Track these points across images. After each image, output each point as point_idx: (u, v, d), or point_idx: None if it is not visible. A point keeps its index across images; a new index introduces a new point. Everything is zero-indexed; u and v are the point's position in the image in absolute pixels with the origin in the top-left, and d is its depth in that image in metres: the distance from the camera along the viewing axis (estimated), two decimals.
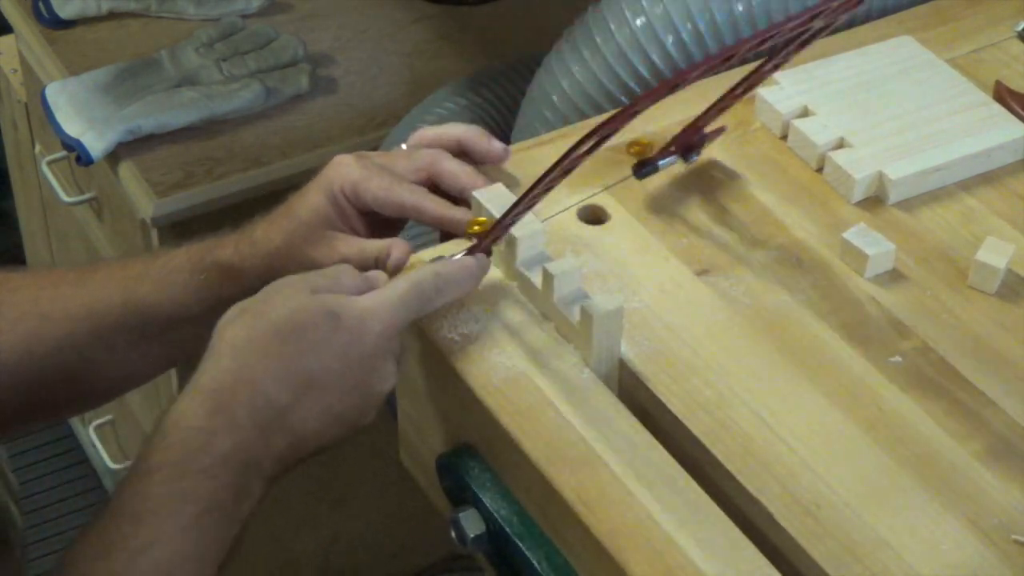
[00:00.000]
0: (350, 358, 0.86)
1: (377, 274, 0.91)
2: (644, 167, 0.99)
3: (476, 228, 0.92)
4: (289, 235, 0.98)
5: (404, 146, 1.02)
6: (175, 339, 1.02)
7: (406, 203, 0.96)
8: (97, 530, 0.84)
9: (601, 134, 0.86)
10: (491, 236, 0.92)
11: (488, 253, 0.92)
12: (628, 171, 1.00)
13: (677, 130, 1.02)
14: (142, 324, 1.01)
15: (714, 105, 0.99)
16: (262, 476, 0.86)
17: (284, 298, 0.87)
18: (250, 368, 0.85)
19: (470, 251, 0.92)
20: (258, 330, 0.86)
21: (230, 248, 1.01)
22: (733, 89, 0.98)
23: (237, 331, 0.86)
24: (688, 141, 1.00)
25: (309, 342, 0.85)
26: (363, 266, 0.97)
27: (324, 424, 0.87)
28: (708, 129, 1.01)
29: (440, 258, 0.91)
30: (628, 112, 0.85)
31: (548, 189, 0.90)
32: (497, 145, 1.00)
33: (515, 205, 0.90)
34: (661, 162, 1.00)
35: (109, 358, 1.02)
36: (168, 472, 0.83)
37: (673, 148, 1.00)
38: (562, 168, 0.88)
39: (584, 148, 0.86)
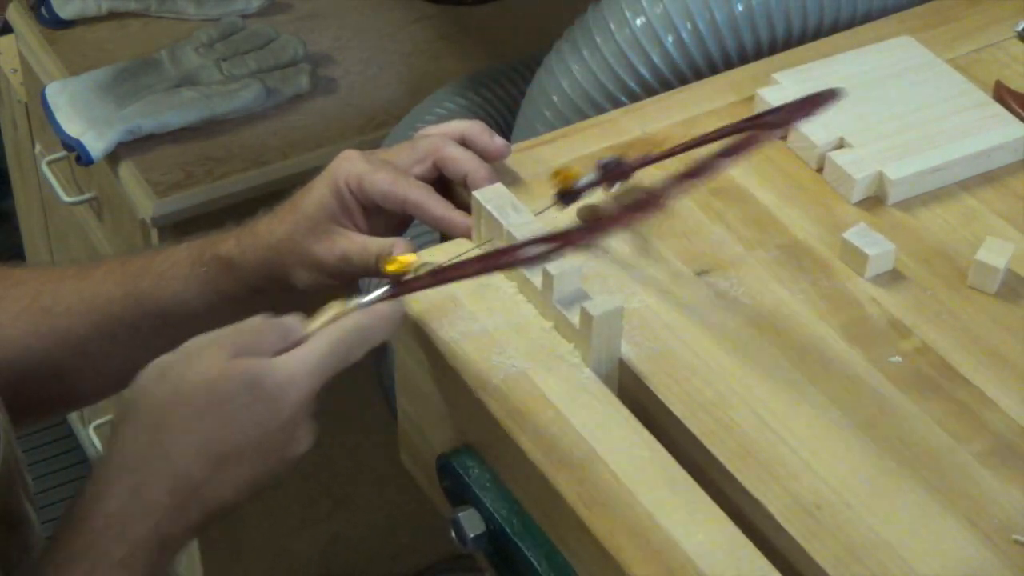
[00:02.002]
0: (269, 427, 0.83)
1: (292, 325, 0.86)
2: (567, 196, 0.97)
3: (392, 267, 0.88)
4: (292, 227, 0.98)
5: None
6: (176, 334, 1.02)
7: (410, 198, 0.96)
8: None
9: (549, 247, 0.84)
10: (419, 287, 0.88)
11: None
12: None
13: (672, 132, 1.03)
14: (143, 318, 1.02)
15: (660, 156, 0.99)
16: (175, 548, 0.84)
17: (204, 363, 0.83)
18: (165, 445, 0.82)
19: (390, 294, 0.87)
20: (175, 402, 0.82)
21: (231, 241, 1.01)
22: (678, 149, 0.98)
23: (152, 401, 0.83)
24: (614, 173, 0.99)
25: (227, 415, 0.82)
26: (364, 264, 0.97)
27: (239, 493, 0.84)
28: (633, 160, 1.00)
29: (353, 298, 0.87)
30: (556, 239, 0.84)
31: (480, 272, 0.87)
32: (498, 141, 1.00)
33: (449, 268, 0.88)
34: (582, 190, 0.97)
35: (110, 353, 1.03)
36: (84, 563, 0.81)
37: (597, 178, 0.98)
38: (491, 264, 0.87)
39: (511, 257, 0.86)
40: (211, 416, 0.82)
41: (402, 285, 0.88)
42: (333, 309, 0.86)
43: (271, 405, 0.83)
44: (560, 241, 0.84)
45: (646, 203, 0.86)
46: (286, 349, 0.84)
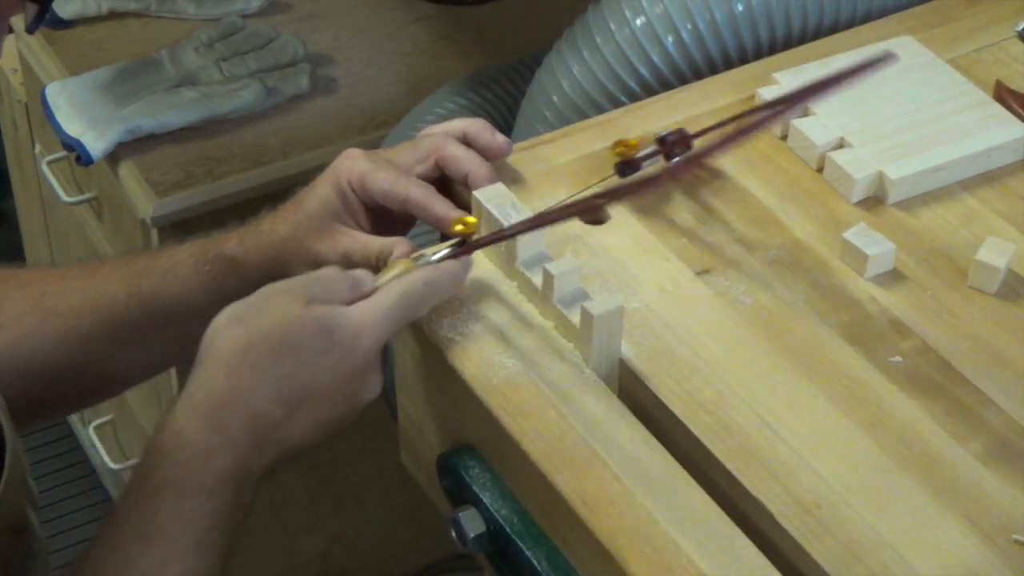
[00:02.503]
0: (341, 373, 0.86)
1: (364, 276, 0.90)
2: (627, 167, 0.99)
3: (460, 228, 0.91)
4: (295, 226, 0.99)
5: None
6: (178, 334, 1.03)
7: (411, 197, 0.96)
8: (106, 548, 0.85)
9: (639, 189, 0.86)
10: (485, 243, 0.91)
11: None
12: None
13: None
14: (146, 318, 1.02)
15: (716, 126, 0.99)
16: (254, 486, 0.87)
17: (277, 309, 0.86)
18: (245, 385, 0.85)
19: (456, 253, 0.91)
20: (252, 344, 0.85)
21: (235, 240, 1.01)
22: (742, 115, 0.99)
23: (231, 344, 0.86)
24: (673, 147, 1.00)
25: (303, 358, 0.85)
26: (365, 263, 0.97)
27: (312, 434, 0.88)
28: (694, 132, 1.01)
29: (422, 256, 0.91)
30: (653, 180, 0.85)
31: (555, 221, 0.90)
32: (500, 139, 1.01)
33: (523, 223, 0.90)
34: (645, 162, 0.99)
35: (113, 352, 1.03)
36: (172, 492, 0.84)
37: (657, 149, 1.00)
38: (575, 207, 0.89)
39: (605, 198, 0.87)
40: (288, 360, 0.85)
41: (468, 244, 0.91)
42: (400, 265, 0.90)
43: (345, 352, 0.86)
44: (627, 185, 0.85)
45: (695, 157, 0.86)
46: (357, 299, 0.88)
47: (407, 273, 0.89)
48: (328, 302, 0.87)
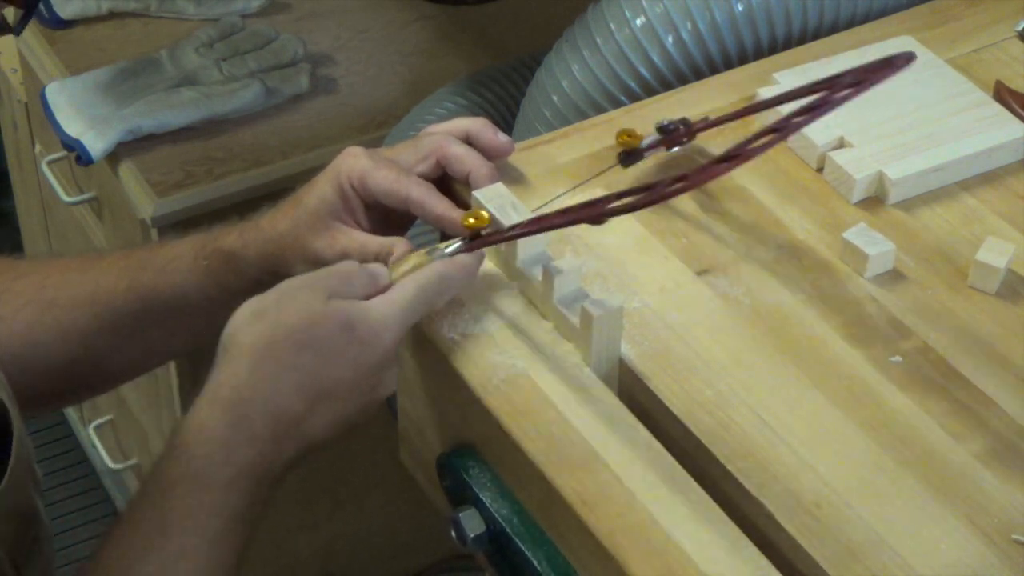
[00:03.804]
0: (362, 368, 0.87)
1: (381, 271, 0.91)
2: (630, 156, 0.99)
3: (472, 222, 0.92)
4: (294, 222, 0.99)
5: None
6: (177, 327, 1.03)
7: (412, 196, 0.96)
8: (121, 540, 0.85)
9: (646, 197, 0.85)
10: (496, 240, 0.92)
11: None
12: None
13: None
14: (145, 310, 1.02)
15: (719, 121, 0.99)
16: (274, 481, 0.87)
17: (299, 304, 0.87)
18: (268, 379, 0.86)
19: (468, 247, 0.91)
20: (275, 339, 0.86)
21: (234, 235, 1.02)
22: (743, 112, 0.98)
23: (253, 339, 0.86)
24: (677, 135, 1.00)
25: (325, 353, 0.86)
26: (363, 261, 0.97)
27: (332, 429, 0.88)
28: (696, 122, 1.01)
29: (435, 249, 0.91)
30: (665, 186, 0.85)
31: (567, 224, 0.89)
32: (502, 138, 1.01)
33: (532, 221, 0.90)
34: (646, 151, 0.99)
35: (112, 345, 1.03)
36: (191, 485, 0.85)
37: (660, 138, 1.00)
38: (587, 213, 0.88)
39: (615, 204, 0.87)
40: (309, 354, 0.86)
41: (480, 238, 0.91)
42: (414, 259, 0.91)
43: (366, 346, 0.87)
44: (648, 192, 0.85)
45: (732, 158, 0.86)
46: (375, 294, 0.89)
47: (422, 267, 0.90)
48: (348, 297, 0.88)
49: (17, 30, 0.94)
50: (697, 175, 0.84)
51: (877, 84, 0.91)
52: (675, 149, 1.01)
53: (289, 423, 0.86)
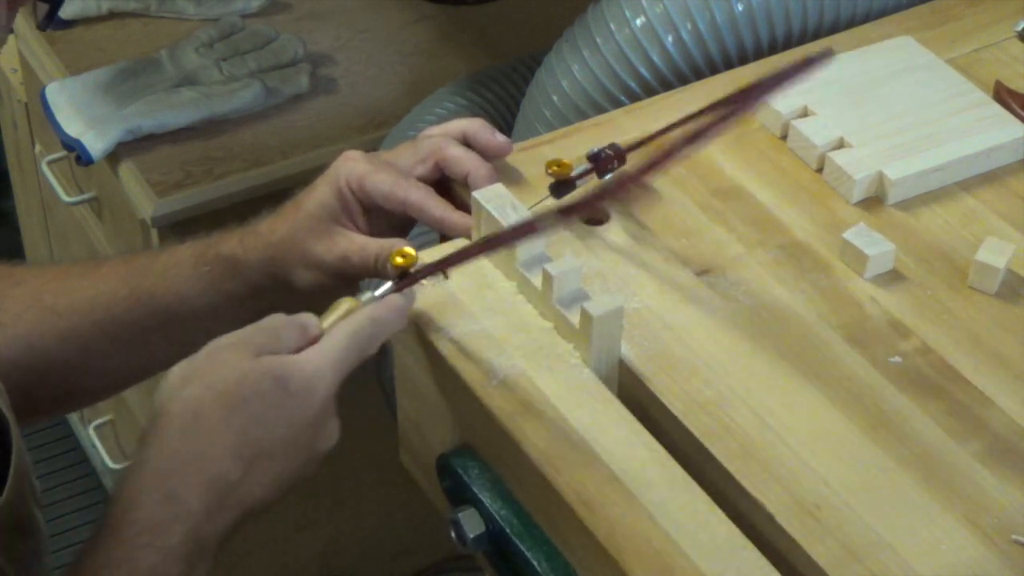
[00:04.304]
0: (298, 423, 0.84)
1: (310, 320, 0.87)
2: (562, 186, 0.97)
3: (400, 260, 0.89)
4: (293, 227, 0.99)
5: None
6: (178, 333, 1.03)
7: (410, 199, 0.96)
8: None
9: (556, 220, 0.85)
10: (425, 275, 0.89)
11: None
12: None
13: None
14: (146, 316, 1.02)
15: (645, 140, 0.98)
16: (208, 554, 0.84)
17: (228, 365, 0.83)
18: (199, 447, 0.82)
19: (397, 287, 0.89)
20: (204, 403, 0.83)
21: (234, 240, 1.01)
22: (664, 130, 0.98)
23: (182, 405, 0.83)
24: (607, 160, 0.99)
25: (258, 412, 0.83)
26: (362, 264, 0.97)
27: (271, 489, 0.85)
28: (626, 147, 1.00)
29: (364, 293, 0.88)
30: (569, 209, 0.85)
31: (479, 254, 0.88)
32: (500, 138, 1.01)
33: (454, 255, 0.89)
34: (577, 179, 0.98)
35: (112, 351, 1.03)
36: (117, 572, 0.81)
37: (591, 167, 0.98)
38: (494, 244, 0.87)
39: (511, 234, 0.87)
40: (242, 416, 0.83)
41: (409, 276, 0.89)
42: (345, 304, 0.88)
43: (300, 401, 0.84)
44: (560, 212, 0.84)
45: (636, 174, 0.86)
46: (306, 346, 0.85)
47: (352, 312, 0.87)
48: (278, 351, 0.84)
49: (43, 25, 0.93)
50: (605, 188, 0.85)
51: (792, 82, 0.91)
52: (607, 176, 0.99)
53: (224, 490, 0.83)
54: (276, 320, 0.86)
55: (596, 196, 0.88)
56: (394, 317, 0.88)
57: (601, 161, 0.98)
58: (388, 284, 0.89)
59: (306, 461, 0.86)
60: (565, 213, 0.86)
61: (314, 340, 0.86)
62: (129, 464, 0.84)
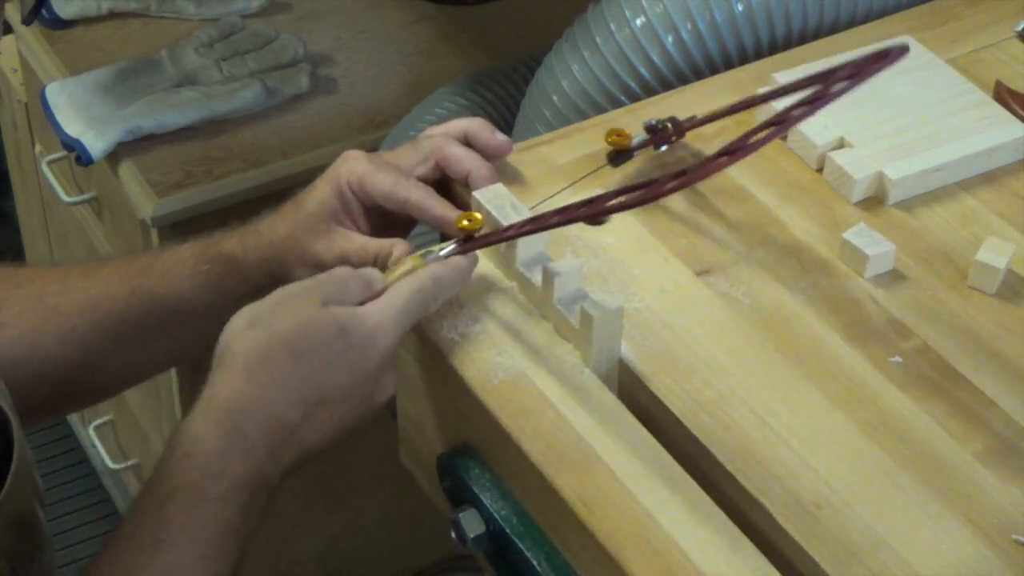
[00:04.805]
0: (359, 373, 0.87)
1: (375, 275, 0.90)
2: (620, 155, 0.99)
3: (466, 223, 0.92)
4: (293, 226, 0.99)
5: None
6: (179, 333, 1.03)
7: (411, 199, 0.96)
8: (115, 554, 0.85)
9: (635, 197, 0.86)
10: (491, 241, 0.92)
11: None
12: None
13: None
14: (147, 316, 1.02)
15: (708, 119, 0.99)
16: (270, 490, 0.87)
17: (294, 311, 0.87)
18: (264, 388, 0.85)
19: (462, 249, 0.91)
20: (271, 348, 0.86)
21: (235, 240, 1.02)
22: (733, 109, 0.98)
23: (248, 347, 0.86)
24: (665, 134, 1.00)
25: (321, 360, 0.86)
26: (362, 265, 0.97)
27: (330, 435, 0.88)
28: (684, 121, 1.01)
29: (429, 252, 0.91)
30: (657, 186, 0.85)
31: (564, 223, 0.89)
32: (500, 137, 1.01)
33: (528, 221, 0.90)
34: (635, 150, 1.00)
35: (114, 351, 1.03)
36: (185, 499, 0.84)
37: (649, 138, 1.00)
38: (585, 212, 0.88)
39: (613, 201, 0.87)
40: (306, 362, 0.86)
41: (475, 240, 0.91)
42: (409, 262, 0.91)
43: (362, 352, 0.86)
44: (647, 189, 0.85)
45: (731, 151, 0.86)
46: (369, 299, 0.88)
47: (416, 270, 0.90)
48: (343, 302, 0.87)
49: (27, 20, 0.93)
50: (697, 170, 0.84)
51: (872, 76, 0.91)
52: (663, 148, 1.01)
53: (286, 431, 0.86)
54: (343, 271, 0.90)
55: (628, 203, 0.88)
56: (456, 277, 0.91)
57: (659, 133, 0.99)
58: (453, 244, 0.91)
59: (364, 410, 0.89)
60: (640, 195, 0.86)
61: (378, 294, 0.89)
62: (197, 400, 0.87)
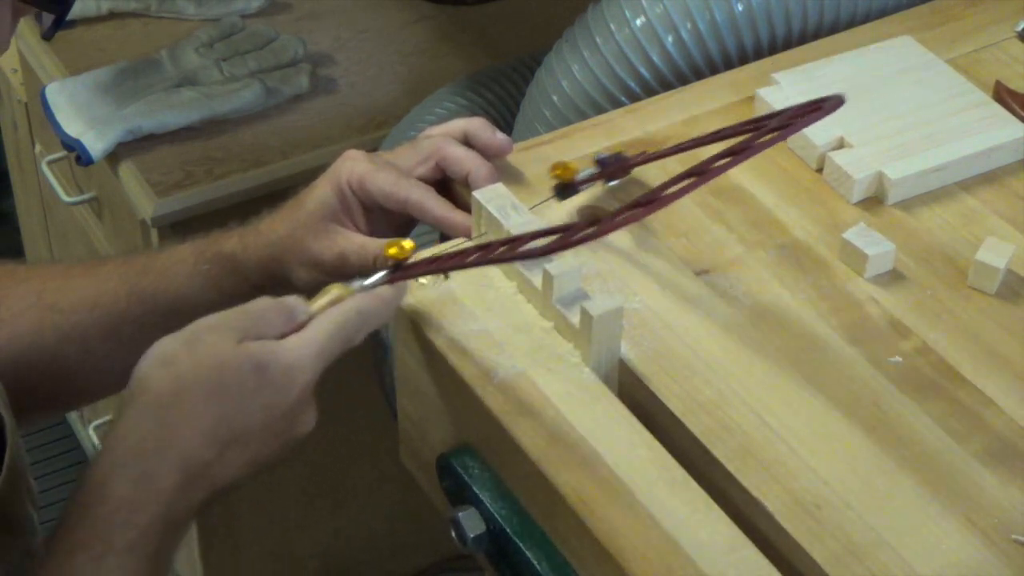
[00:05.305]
0: (275, 411, 0.84)
1: (297, 305, 0.86)
2: (566, 189, 0.97)
3: (394, 251, 0.88)
4: (293, 225, 0.99)
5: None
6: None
7: (410, 199, 0.96)
8: None
9: (555, 242, 0.84)
10: (420, 272, 0.89)
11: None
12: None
13: (672, 132, 1.03)
14: (147, 315, 1.02)
15: (659, 155, 0.98)
16: (181, 530, 0.85)
17: (208, 348, 0.83)
18: (175, 430, 0.83)
19: (390, 279, 0.88)
20: (182, 387, 0.83)
21: (234, 239, 1.02)
22: (675, 150, 0.98)
23: (160, 386, 0.83)
24: (612, 169, 0.99)
25: (235, 399, 0.83)
26: (361, 264, 0.97)
27: (244, 472, 0.85)
28: (632, 156, 1.00)
29: (355, 280, 0.88)
30: (567, 238, 0.84)
31: (480, 263, 0.88)
32: (500, 137, 1.01)
33: (454, 255, 0.89)
34: (580, 184, 0.98)
35: (114, 350, 1.03)
36: (92, 551, 0.81)
37: (596, 172, 0.99)
38: (491, 256, 0.86)
39: (510, 250, 0.85)
40: (219, 400, 0.83)
41: (402, 269, 0.88)
42: (334, 290, 0.87)
43: (278, 389, 0.84)
44: (561, 237, 0.84)
45: (647, 202, 0.85)
46: (291, 331, 0.85)
47: (341, 300, 0.87)
48: (262, 336, 0.84)
49: (48, 34, 0.93)
50: (608, 222, 0.83)
51: (803, 128, 0.91)
52: (613, 183, 1.00)
53: (197, 470, 0.83)
54: (262, 303, 0.86)
55: (610, 226, 0.85)
56: (382, 310, 0.87)
57: (607, 168, 0.98)
58: (380, 274, 0.88)
59: (281, 446, 0.86)
60: (553, 243, 0.84)
61: (300, 326, 0.85)
62: (104, 440, 0.84)
